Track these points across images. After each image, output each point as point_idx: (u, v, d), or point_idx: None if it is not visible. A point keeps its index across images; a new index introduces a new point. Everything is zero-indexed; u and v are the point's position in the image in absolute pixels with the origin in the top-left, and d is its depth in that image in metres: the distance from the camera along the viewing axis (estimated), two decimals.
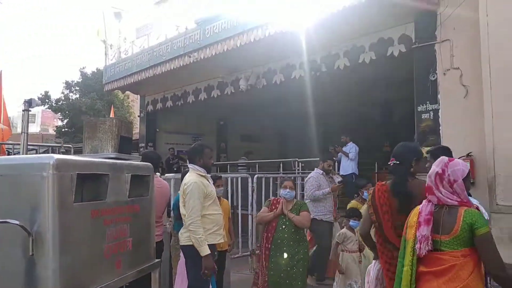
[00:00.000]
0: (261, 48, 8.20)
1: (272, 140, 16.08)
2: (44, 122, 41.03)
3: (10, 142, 7.73)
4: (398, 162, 2.95)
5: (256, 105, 12.59)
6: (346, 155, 9.28)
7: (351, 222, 4.96)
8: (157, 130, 13.63)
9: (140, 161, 3.63)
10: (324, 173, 6.26)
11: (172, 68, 9.85)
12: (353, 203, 5.72)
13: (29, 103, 4.95)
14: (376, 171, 10.52)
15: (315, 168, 6.42)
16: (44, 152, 7.80)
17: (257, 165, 10.96)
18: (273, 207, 4.59)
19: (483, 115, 5.56)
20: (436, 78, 6.46)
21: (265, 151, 14.59)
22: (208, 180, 3.76)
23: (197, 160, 3.75)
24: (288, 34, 7.41)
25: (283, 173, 9.49)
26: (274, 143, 16.12)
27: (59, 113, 20.40)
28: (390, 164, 3.02)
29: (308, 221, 4.61)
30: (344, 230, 5.06)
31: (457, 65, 6.25)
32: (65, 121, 20.13)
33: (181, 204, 3.67)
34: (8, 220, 1.79)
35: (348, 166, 9.26)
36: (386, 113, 13.85)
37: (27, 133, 4.88)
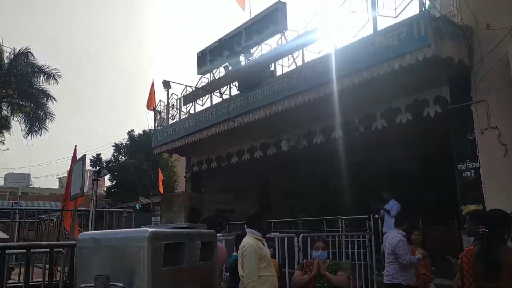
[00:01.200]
0: (302, 112, 8.70)
1: (313, 197, 16.17)
2: (90, 182, 42.99)
3: (82, 208, 8.55)
4: (487, 230, 3.06)
5: (297, 163, 12.95)
6: (388, 212, 9.32)
7: None
8: (202, 189, 14.13)
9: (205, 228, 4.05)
10: (406, 234, 5.84)
11: (217, 132, 10.53)
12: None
13: (98, 173, 5.60)
14: (421, 228, 10.37)
15: (395, 229, 5.95)
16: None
17: (300, 223, 11.08)
18: (307, 269, 4.64)
19: None
20: (474, 137, 6.62)
21: (306, 207, 14.70)
22: (263, 244, 4.11)
23: (255, 225, 4.12)
24: (327, 98, 7.88)
25: (326, 231, 9.59)
26: (314, 200, 16.19)
27: (108, 174, 21.56)
28: (479, 231, 3.13)
29: (347, 281, 4.63)
30: None
31: (495, 124, 6.41)
32: (114, 182, 21.20)
33: (239, 265, 4.01)
34: (115, 283, 2.21)
35: (391, 223, 9.27)
36: (425, 169, 13.78)
37: (96, 200, 5.46)
